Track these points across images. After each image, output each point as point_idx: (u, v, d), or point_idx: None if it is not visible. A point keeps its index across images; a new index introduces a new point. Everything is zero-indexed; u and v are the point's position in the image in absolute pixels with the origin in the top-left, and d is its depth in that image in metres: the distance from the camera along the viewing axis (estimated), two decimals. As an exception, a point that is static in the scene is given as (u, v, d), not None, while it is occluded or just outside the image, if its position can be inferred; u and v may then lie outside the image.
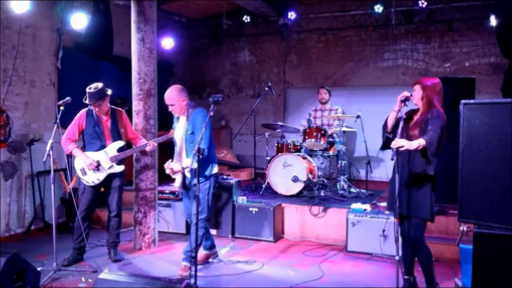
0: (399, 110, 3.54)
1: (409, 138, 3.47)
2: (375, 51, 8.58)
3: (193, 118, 4.30)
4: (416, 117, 3.60)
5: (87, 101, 4.60)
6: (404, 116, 3.45)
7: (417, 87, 3.60)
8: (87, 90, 4.58)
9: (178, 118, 4.49)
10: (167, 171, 4.29)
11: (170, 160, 4.37)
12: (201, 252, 4.68)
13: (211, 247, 4.77)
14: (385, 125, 3.72)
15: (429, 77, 3.78)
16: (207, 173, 4.35)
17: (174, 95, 4.32)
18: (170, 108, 4.37)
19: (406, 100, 3.49)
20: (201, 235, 4.42)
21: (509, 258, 2.94)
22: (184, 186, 4.46)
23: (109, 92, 4.70)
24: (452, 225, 4.09)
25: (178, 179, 4.43)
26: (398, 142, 3.32)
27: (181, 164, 4.28)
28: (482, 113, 3.12)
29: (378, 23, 8.35)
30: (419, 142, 3.37)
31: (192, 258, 4.14)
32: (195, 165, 4.08)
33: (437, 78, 3.68)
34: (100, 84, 4.61)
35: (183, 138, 4.36)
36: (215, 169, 4.43)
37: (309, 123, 6.74)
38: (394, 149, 3.33)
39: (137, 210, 5.25)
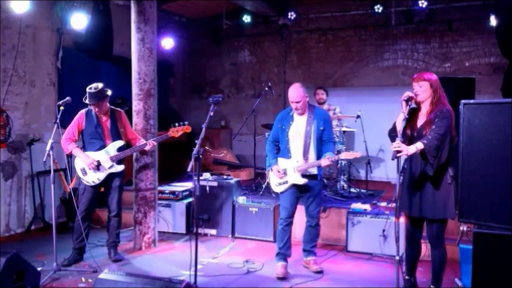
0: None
1: (422, 137, 3.40)
2: (375, 51, 8.58)
3: (321, 115, 4.37)
4: (425, 115, 3.49)
5: (87, 101, 4.61)
6: (407, 116, 3.41)
7: (425, 85, 3.46)
8: (88, 90, 4.58)
9: (291, 117, 4.39)
10: (301, 166, 4.27)
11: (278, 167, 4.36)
12: (280, 265, 4.44)
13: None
14: (393, 130, 3.59)
15: (428, 72, 3.65)
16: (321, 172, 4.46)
17: (300, 92, 4.26)
18: (295, 106, 4.28)
19: (409, 100, 3.41)
20: (318, 232, 4.59)
21: (509, 258, 2.94)
22: (299, 185, 4.34)
23: (109, 92, 4.71)
24: (452, 225, 4.08)
25: (296, 176, 4.30)
26: (398, 147, 3.28)
27: (329, 157, 4.15)
28: (482, 113, 3.11)
29: (378, 23, 8.35)
30: (417, 147, 3.34)
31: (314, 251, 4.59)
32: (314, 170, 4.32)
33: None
34: (100, 85, 4.62)
35: (312, 135, 4.29)
36: None
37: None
38: (394, 152, 3.30)
39: (137, 210, 5.25)
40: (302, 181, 4.28)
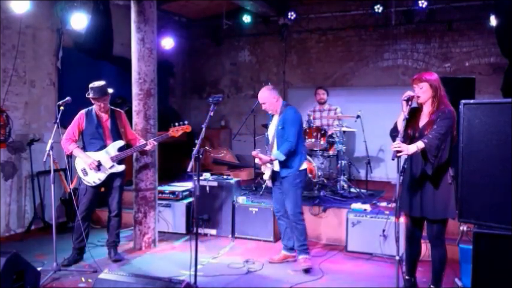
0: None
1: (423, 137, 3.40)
2: (375, 51, 8.58)
3: (285, 114, 4.52)
4: (427, 115, 3.49)
5: (90, 96, 4.59)
6: (407, 117, 3.41)
7: (425, 86, 3.45)
8: (91, 86, 4.59)
9: (272, 117, 4.73)
10: (256, 160, 4.62)
11: (259, 150, 4.65)
12: (281, 253, 4.79)
13: (292, 249, 4.75)
14: (394, 129, 3.58)
15: (427, 72, 3.65)
16: (296, 166, 4.49)
17: (265, 94, 4.57)
18: (263, 107, 4.62)
19: (410, 100, 3.40)
20: (303, 229, 4.55)
21: (509, 258, 2.94)
22: (273, 179, 4.62)
23: (110, 90, 4.71)
24: (452, 225, 4.08)
25: (267, 172, 4.58)
26: (398, 147, 3.27)
27: (270, 156, 4.48)
28: (482, 113, 3.11)
29: (378, 23, 8.35)
30: (418, 146, 3.33)
31: (307, 249, 4.59)
32: (276, 167, 4.49)
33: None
34: (102, 82, 4.63)
35: (275, 133, 4.57)
36: (304, 165, 4.57)
37: (309, 124, 6.73)
38: (394, 152, 3.30)
39: (137, 210, 5.25)
40: (267, 176, 4.59)
